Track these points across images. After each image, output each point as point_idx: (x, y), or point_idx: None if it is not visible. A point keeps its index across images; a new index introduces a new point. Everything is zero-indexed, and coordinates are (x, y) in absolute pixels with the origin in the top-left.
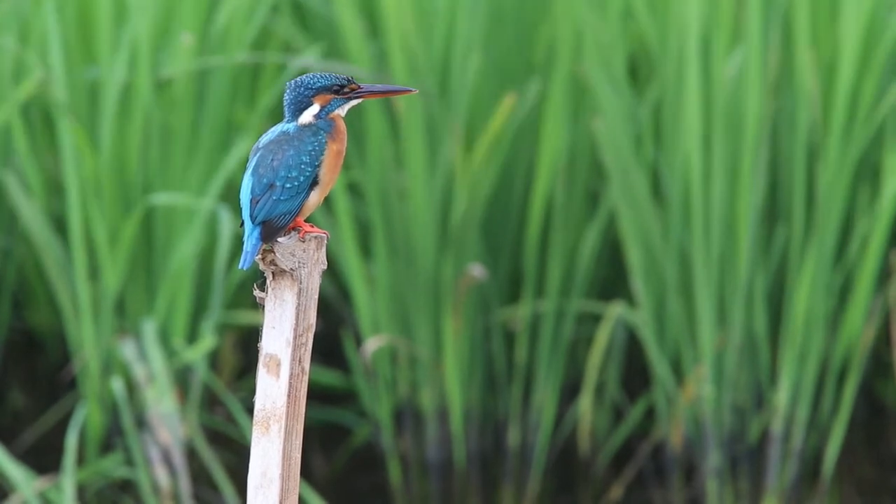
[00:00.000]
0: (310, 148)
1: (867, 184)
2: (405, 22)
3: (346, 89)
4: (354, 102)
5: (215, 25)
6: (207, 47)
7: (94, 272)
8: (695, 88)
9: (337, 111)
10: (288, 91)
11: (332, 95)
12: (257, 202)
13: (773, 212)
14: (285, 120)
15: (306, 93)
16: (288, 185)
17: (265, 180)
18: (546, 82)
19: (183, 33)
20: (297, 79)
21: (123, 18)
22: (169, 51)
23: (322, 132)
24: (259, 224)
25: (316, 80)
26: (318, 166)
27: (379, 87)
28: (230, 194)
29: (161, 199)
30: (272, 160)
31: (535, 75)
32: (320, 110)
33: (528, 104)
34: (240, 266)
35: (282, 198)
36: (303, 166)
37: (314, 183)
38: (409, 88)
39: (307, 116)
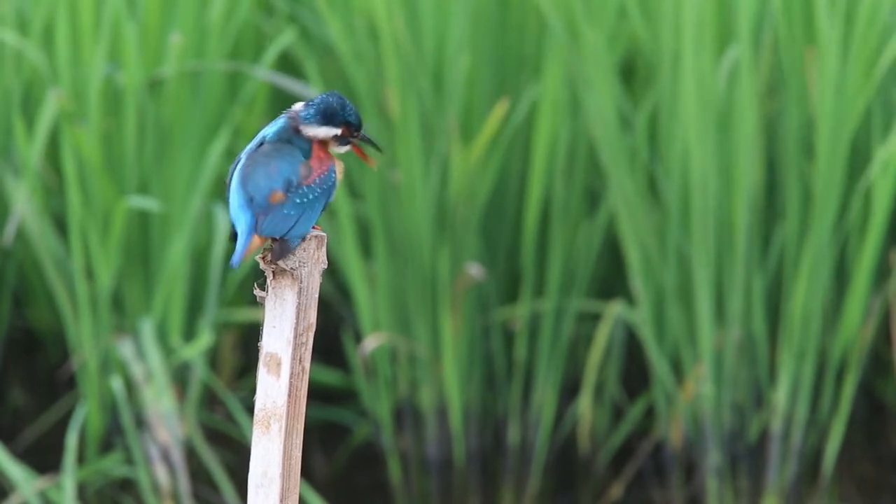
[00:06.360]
0: (329, 185)
1: (863, 179)
2: (396, 22)
3: (356, 132)
4: (346, 148)
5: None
6: (201, 45)
7: (90, 270)
8: (690, 88)
9: (342, 149)
10: (331, 98)
11: (349, 134)
12: (264, 217)
13: (772, 211)
14: (292, 113)
15: (343, 115)
16: (304, 217)
17: (262, 193)
18: (539, 78)
19: (173, 33)
20: (344, 98)
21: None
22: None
23: (333, 173)
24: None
25: (353, 111)
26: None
27: (366, 136)
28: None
29: (140, 202)
30: (277, 175)
31: (528, 70)
32: (340, 138)
33: (524, 105)
34: (230, 265)
35: (298, 217)
36: (318, 196)
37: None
38: (379, 148)
39: (328, 133)
